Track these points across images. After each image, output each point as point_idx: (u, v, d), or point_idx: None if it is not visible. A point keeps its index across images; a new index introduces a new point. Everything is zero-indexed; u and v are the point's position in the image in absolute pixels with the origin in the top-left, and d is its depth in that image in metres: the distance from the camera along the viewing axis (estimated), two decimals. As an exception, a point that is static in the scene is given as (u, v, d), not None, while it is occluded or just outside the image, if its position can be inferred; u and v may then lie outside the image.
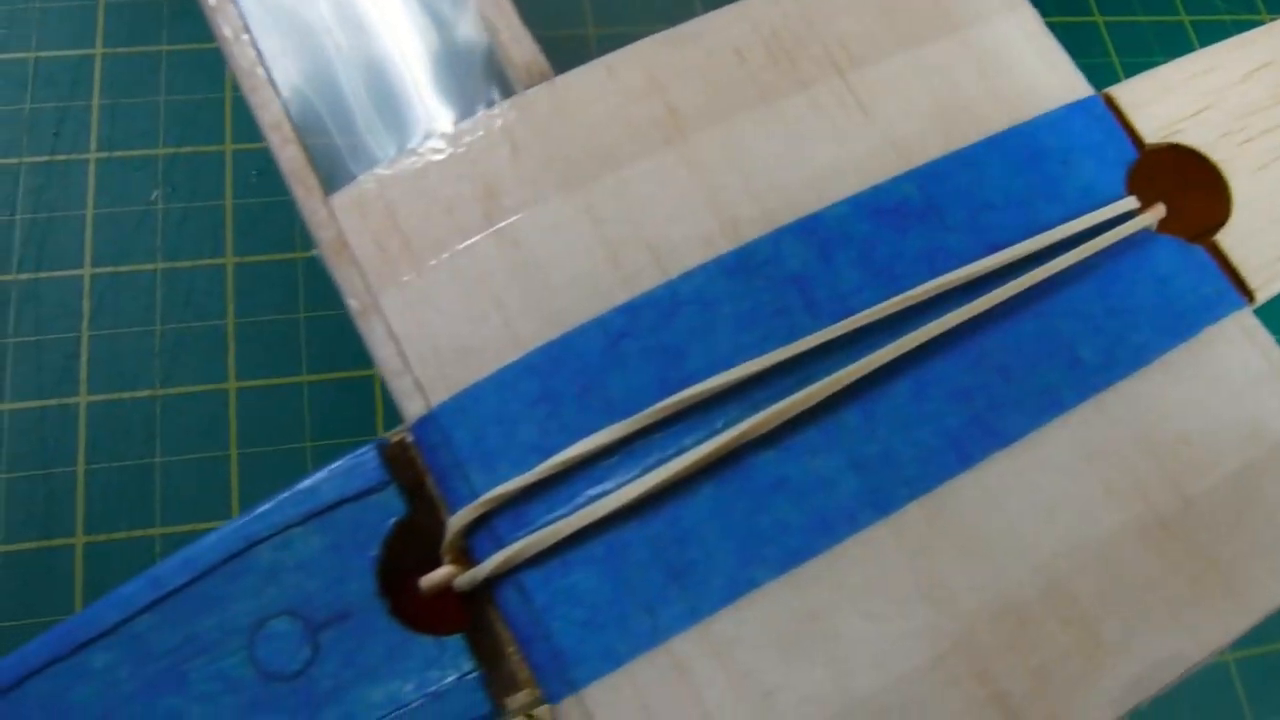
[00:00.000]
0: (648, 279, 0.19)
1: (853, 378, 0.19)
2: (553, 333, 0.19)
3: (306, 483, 0.19)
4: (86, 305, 0.33)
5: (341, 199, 0.20)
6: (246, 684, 0.19)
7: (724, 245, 0.20)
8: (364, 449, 0.20)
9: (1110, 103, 0.22)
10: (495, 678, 0.19)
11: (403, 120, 0.21)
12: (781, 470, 0.19)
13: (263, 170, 0.35)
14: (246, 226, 0.35)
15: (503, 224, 0.20)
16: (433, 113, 0.21)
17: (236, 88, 0.34)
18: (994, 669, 0.18)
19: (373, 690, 0.19)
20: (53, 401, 0.32)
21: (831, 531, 0.18)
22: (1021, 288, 0.20)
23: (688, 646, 0.18)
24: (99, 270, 0.34)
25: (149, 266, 0.34)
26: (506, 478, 0.18)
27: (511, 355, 0.19)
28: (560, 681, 0.18)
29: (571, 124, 0.20)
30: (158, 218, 0.35)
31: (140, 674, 0.19)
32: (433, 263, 0.20)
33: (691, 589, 0.18)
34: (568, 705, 0.18)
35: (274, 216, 0.35)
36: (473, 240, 0.20)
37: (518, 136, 0.20)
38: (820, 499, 0.18)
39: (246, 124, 0.36)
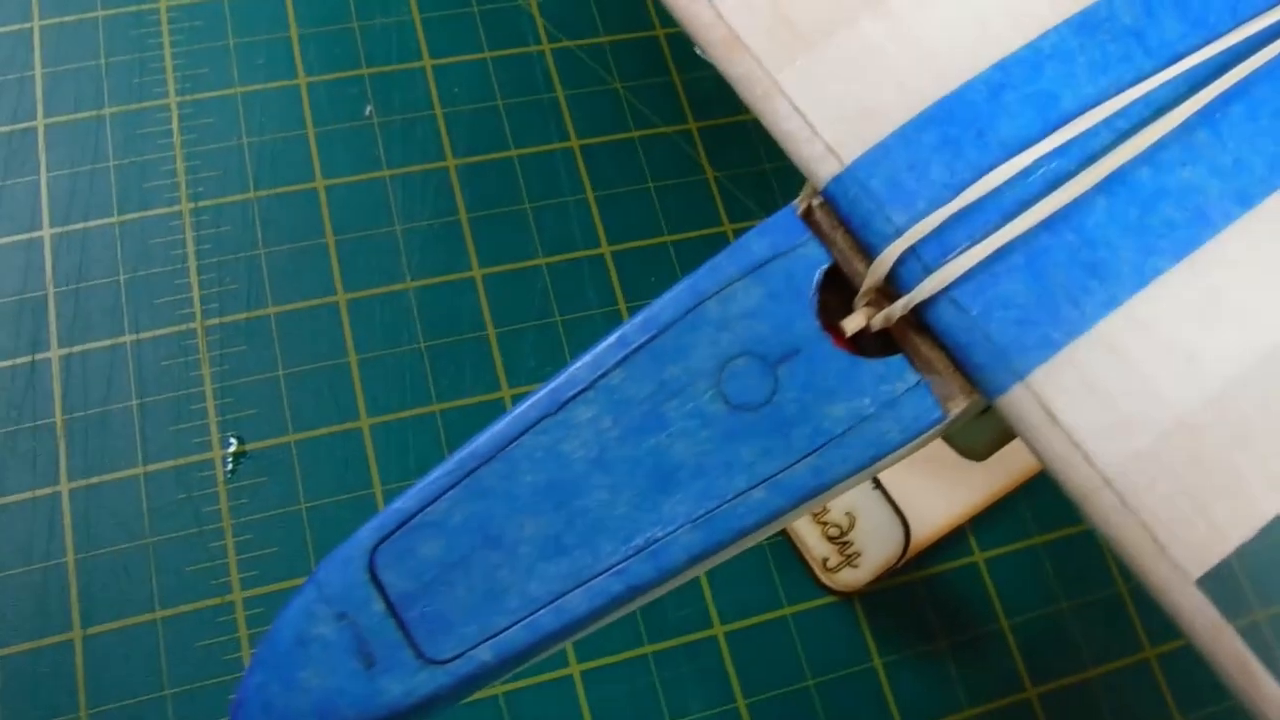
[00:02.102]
0: (1012, 40, 0.23)
1: (1200, 104, 0.22)
2: (941, 91, 0.23)
3: (738, 243, 0.22)
4: (326, 214, 0.36)
5: (727, 2, 0.23)
6: (720, 417, 0.22)
7: (1069, 9, 0.23)
8: (779, 213, 0.23)
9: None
10: (934, 388, 0.22)
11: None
12: (1159, 181, 0.22)
13: (463, 84, 0.38)
14: (461, 131, 0.38)
15: (881, 5, 0.23)
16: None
17: (424, 9, 0.37)
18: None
19: (834, 408, 0.22)
20: (315, 302, 0.35)
21: (1211, 223, 0.22)
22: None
23: (1114, 327, 0.21)
24: (331, 181, 0.36)
25: (378, 174, 0.37)
26: (928, 213, 0.22)
27: (909, 112, 0.22)
28: (1006, 373, 0.21)
29: (920, -81, 0.24)
30: (375, 131, 0.37)
31: (622, 420, 0.22)
32: (823, 43, 0.23)
33: (1107, 280, 0.21)
34: (1016, 393, 0.21)
35: (485, 121, 0.38)
36: (856, 20, 0.23)
37: (878, -68, 0.23)
38: (1196, 199, 0.22)
39: (441, 41, 0.39)
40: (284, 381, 0.34)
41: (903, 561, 0.31)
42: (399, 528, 0.22)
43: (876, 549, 0.31)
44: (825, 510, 0.32)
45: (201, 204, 0.36)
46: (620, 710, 0.31)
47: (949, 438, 0.27)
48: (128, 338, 0.34)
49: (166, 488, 0.32)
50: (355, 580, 0.22)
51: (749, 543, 0.22)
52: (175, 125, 0.37)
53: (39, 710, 0.30)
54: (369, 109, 0.37)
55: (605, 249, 0.36)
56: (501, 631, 0.21)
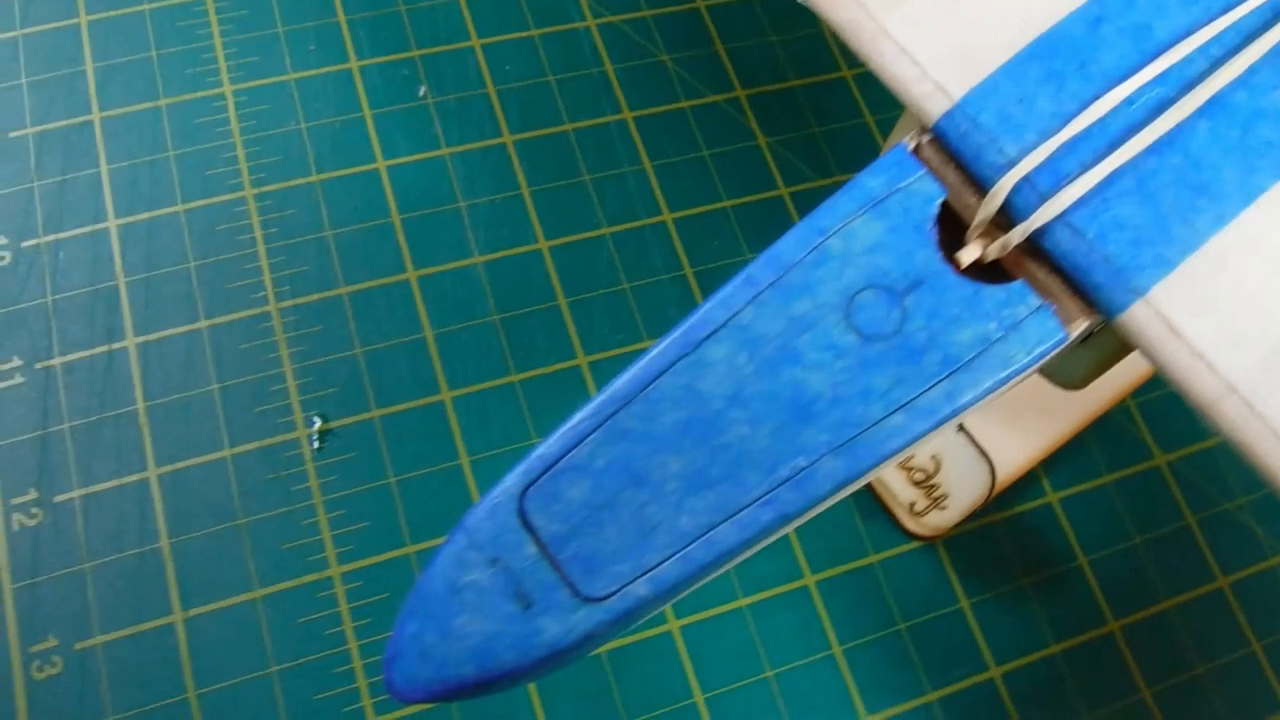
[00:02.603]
0: (1105, -24, 0.24)
1: (1288, 29, 0.24)
2: (1042, 26, 0.24)
3: (853, 181, 0.23)
4: (390, 194, 0.36)
5: (829, -48, 0.24)
6: (852, 349, 0.23)
7: (1155, -57, 0.24)
8: (892, 151, 0.24)
9: None
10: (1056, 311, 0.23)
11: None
12: (1255, 103, 0.23)
13: (512, 62, 0.39)
14: (515, 108, 0.38)
15: (978, -53, 0.24)
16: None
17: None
18: None
19: (961, 334, 0.23)
20: (387, 280, 0.35)
21: (1308, 143, 0.23)
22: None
23: (1225, 243, 0.22)
24: (392, 162, 0.37)
25: (437, 153, 0.37)
26: (1039, 143, 0.23)
27: (1013, 49, 0.24)
28: (1126, 292, 0.22)
29: None
30: (431, 110, 0.38)
31: (756, 357, 0.23)
32: (925, -13, 0.24)
33: (1215, 198, 0.23)
34: (1136, 310, 0.22)
35: (537, 97, 0.39)
36: (956, -37, 0.24)
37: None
38: (1293, 120, 0.23)
39: (488, 21, 0.40)
40: (363, 359, 0.34)
41: (989, 500, 0.32)
42: (545, 472, 0.23)
43: (964, 490, 0.32)
44: (910, 456, 0.33)
45: (265, 189, 0.36)
46: (722, 663, 0.32)
47: (1047, 371, 0.28)
48: (203, 323, 0.34)
49: (254, 469, 0.33)
50: (506, 525, 0.23)
51: (887, 468, 0.23)
52: (232, 113, 0.37)
53: (146, 693, 0.30)
54: (423, 89, 0.38)
55: (667, 216, 0.37)
56: (655, 567, 0.22)
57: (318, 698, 0.31)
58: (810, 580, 0.33)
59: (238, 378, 0.34)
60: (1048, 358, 0.24)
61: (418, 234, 0.36)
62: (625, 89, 0.39)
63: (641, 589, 0.22)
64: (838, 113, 0.40)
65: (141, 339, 0.34)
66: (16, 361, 0.33)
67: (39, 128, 0.37)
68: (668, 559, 0.22)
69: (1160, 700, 0.33)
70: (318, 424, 0.34)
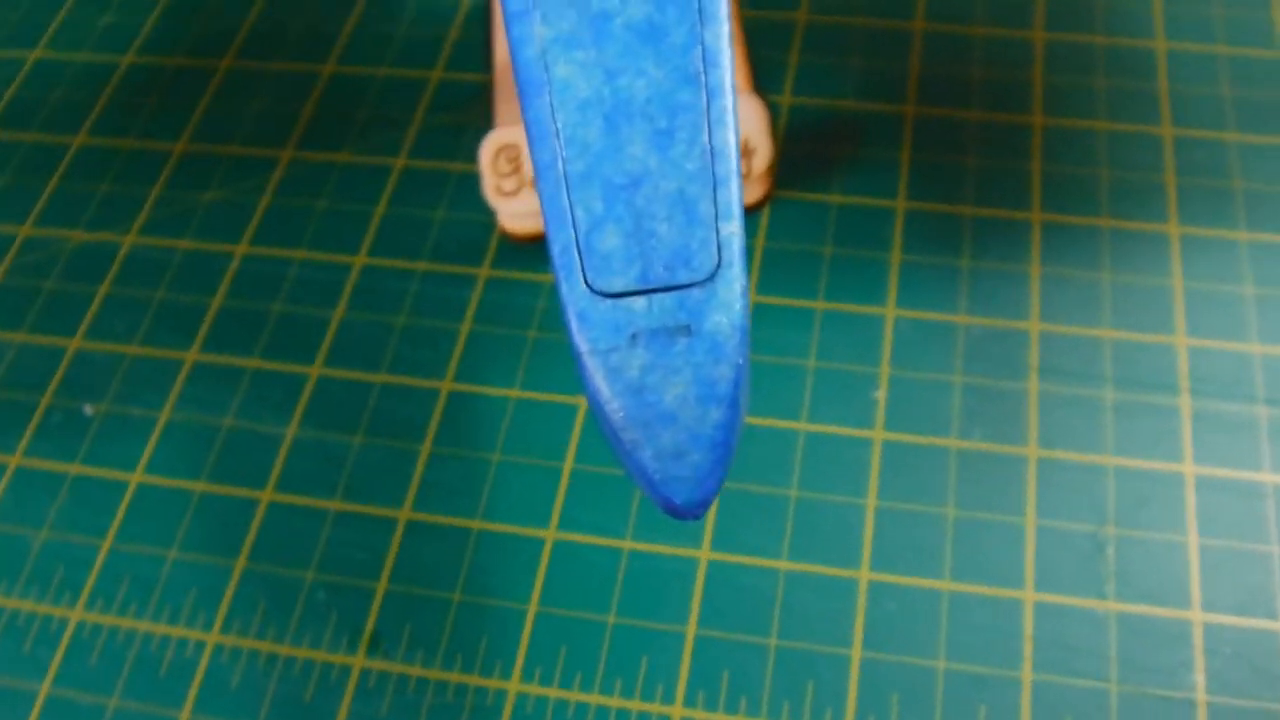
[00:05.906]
0: None
1: None
2: None
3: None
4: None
5: None
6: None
7: None
8: None
9: None
10: None
11: None
12: None
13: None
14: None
15: None
16: None
17: None
18: None
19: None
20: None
21: None
22: None
23: None
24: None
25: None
26: None
27: None
28: None
29: None
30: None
31: (586, 39, 0.25)
32: None
33: None
34: None
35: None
36: None
37: None
38: None
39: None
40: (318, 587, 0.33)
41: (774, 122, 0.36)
42: (579, 255, 0.24)
43: (756, 125, 0.35)
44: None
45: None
46: (771, 397, 0.33)
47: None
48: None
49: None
50: (604, 311, 0.24)
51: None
52: None
53: None
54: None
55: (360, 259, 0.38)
56: (715, 209, 0.24)
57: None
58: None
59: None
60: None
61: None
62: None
63: (727, 229, 0.24)
64: None
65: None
66: None
67: None
68: (711, 194, 0.24)
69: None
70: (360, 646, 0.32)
